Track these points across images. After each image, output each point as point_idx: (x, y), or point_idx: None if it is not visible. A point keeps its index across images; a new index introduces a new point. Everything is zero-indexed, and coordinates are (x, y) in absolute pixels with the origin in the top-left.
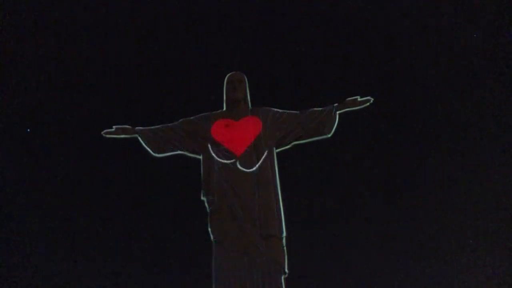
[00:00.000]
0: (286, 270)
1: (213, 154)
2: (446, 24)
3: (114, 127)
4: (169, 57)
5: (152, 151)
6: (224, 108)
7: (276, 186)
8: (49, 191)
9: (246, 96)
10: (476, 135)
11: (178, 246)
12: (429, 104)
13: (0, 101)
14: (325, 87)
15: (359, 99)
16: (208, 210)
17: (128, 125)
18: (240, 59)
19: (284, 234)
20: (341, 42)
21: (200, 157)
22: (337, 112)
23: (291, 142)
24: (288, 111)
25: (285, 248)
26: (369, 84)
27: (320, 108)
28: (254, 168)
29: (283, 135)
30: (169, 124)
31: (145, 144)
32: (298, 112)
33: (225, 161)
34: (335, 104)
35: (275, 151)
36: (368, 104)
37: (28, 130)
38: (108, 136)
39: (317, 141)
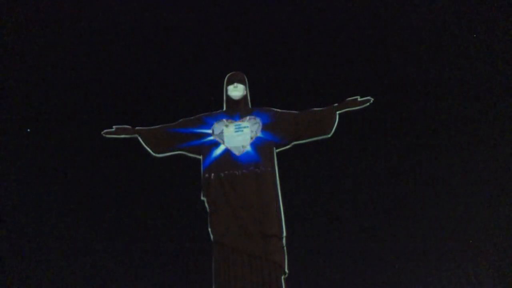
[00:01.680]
0: (286, 270)
1: (213, 154)
2: (446, 24)
3: (114, 127)
4: (169, 57)
5: (152, 151)
6: (224, 108)
7: (276, 186)
8: (49, 191)
9: (246, 96)
10: (477, 135)
11: (178, 246)
12: (429, 104)
13: (0, 101)
14: (325, 87)
15: (359, 99)
16: (208, 210)
17: (128, 125)
18: (240, 59)
19: (284, 234)
20: (341, 42)
21: (200, 157)
22: (337, 112)
23: (291, 142)
24: (288, 111)
25: (285, 248)
26: (369, 84)
27: (320, 108)
28: (254, 168)
29: (283, 135)
30: (169, 124)
31: (145, 144)
32: (298, 112)
33: (225, 161)
34: (335, 104)
35: (275, 151)
36: (368, 104)
37: (28, 130)
38: (108, 136)
39: (317, 141)
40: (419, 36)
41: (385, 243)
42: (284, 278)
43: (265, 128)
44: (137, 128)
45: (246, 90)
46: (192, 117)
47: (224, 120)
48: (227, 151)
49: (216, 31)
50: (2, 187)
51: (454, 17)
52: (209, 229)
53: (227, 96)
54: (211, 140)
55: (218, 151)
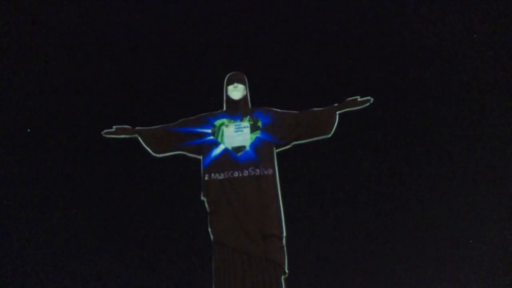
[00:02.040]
0: (286, 270)
1: (213, 154)
2: (446, 25)
3: (114, 127)
4: (169, 57)
5: (152, 151)
6: (224, 108)
7: (276, 186)
8: (49, 191)
9: (246, 96)
10: (476, 135)
11: (178, 246)
12: (429, 104)
13: (0, 101)
14: (325, 87)
15: (359, 99)
16: (208, 210)
17: (128, 125)
18: (240, 59)
19: (284, 234)
20: (341, 42)
21: (200, 157)
22: (337, 112)
23: (291, 142)
24: (288, 111)
25: (285, 248)
26: (369, 84)
27: (320, 108)
28: (254, 168)
29: (283, 135)
30: (169, 124)
31: (145, 144)
32: (298, 112)
33: (225, 161)
34: (335, 104)
35: (275, 151)
36: (368, 104)
37: (28, 130)
38: (108, 136)
39: (317, 141)
40: (419, 36)
41: (385, 243)
42: (284, 278)
43: (265, 128)
44: (137, 128)
45: (246, 90)
46: (192, 117)
47: (225, 120)
48: (226, 151)
49: (216, 31)
50: (2, 187)
51: (454, 17)
52: (209, 229)
53: (227, 96)
54: (211, 140)
55: (218, 150)
